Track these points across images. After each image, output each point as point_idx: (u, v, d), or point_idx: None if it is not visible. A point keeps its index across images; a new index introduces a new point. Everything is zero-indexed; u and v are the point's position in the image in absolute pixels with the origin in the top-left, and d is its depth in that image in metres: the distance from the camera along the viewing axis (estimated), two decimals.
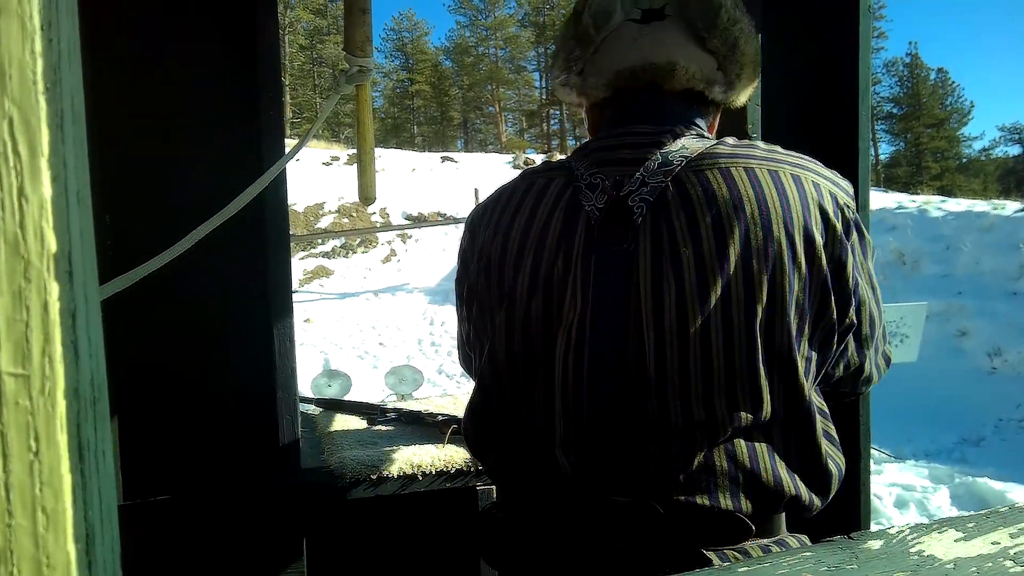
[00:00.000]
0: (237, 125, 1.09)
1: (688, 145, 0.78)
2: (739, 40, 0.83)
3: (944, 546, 0.37)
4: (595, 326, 0.75)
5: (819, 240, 0.73)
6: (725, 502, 0.71)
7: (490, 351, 0.84)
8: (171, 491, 1.08)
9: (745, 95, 0.89)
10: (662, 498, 0.72)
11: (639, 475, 0.73)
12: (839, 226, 0.74)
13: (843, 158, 1.48)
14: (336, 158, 17.39)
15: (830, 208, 0.74)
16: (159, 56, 1.06)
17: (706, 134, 0.85)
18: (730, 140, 0.79)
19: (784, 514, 0.78)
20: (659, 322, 0.72)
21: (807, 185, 0.74)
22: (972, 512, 0.41)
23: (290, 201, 13.12)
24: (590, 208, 0.77)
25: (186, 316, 1.10)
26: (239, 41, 1.08)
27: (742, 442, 0.73)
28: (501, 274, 0.83)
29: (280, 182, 1.11)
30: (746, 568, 0.35)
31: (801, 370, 0.73)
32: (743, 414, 0.72)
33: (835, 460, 0.77)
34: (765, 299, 0.71)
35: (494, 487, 1.25)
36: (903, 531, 0.39)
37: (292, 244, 13.35)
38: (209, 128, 1.08)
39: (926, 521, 0.41)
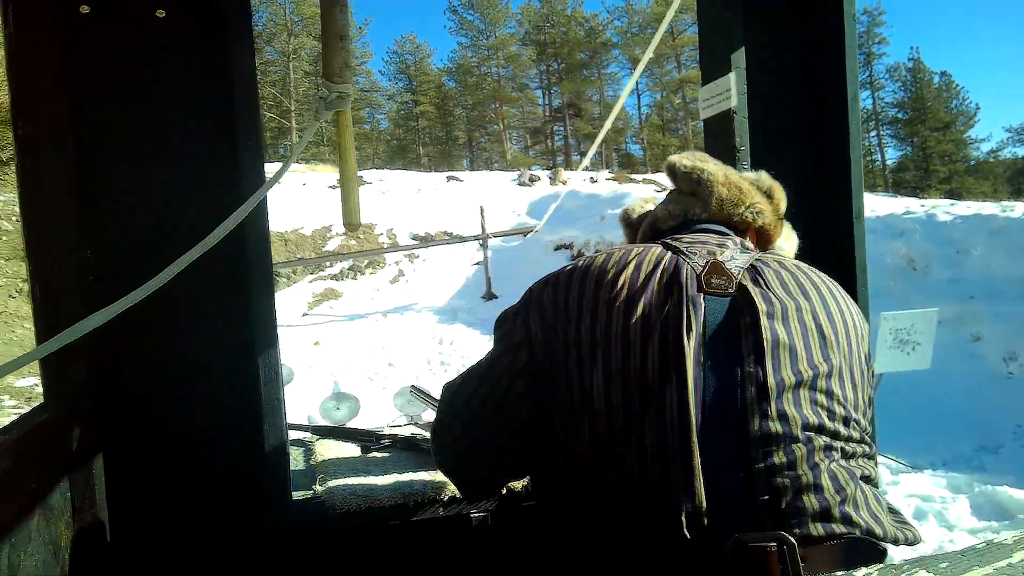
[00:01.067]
0: (215, 156, 1.09)
1: (744, 248, 0.98)
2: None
3: None
4: (710, 366, 0.81)
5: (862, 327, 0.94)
6: (861, 530, 0.75)
7: (588, 414, 0.84)
8: (159, 529, 1.06)
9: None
10: (791, 530, 0.72)
11: (769, 510, 0.74)
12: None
13: (835, 169, 1.46)
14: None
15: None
16: (135, 90, 1.07)
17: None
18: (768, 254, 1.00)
19: None
20: (776, 363, 0.80)
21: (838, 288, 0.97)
22: (948, 551, 0.39)
23: (298, 224, 13.21)
24: (692, 265, 0.90)
25: (169, 350, 1.09)
26: (214, 70, 1.08)
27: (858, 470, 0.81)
28: (609, 343, 0.86)
29: (261, 211, 1.11)
30: None
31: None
32: (858, 446, 0.82)
33: None
34: (859, 359, 0.88)
35: (488, 514, 1.23)
36: (870, 573, 0.37)
37: (300, 267, 13.46)
38: (186, 160, 1.08)
39: (924, 553, 0.39)
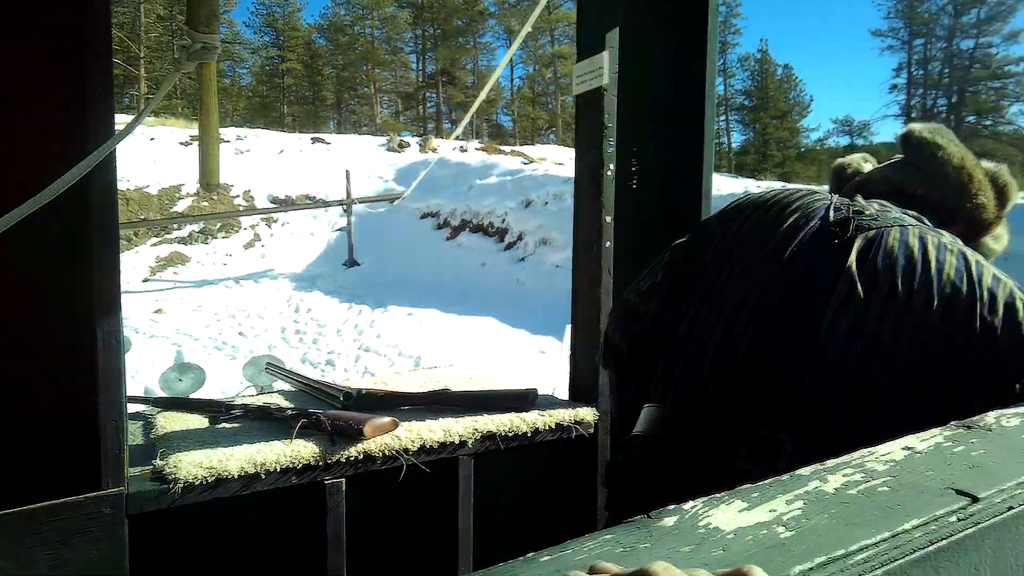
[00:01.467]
0: (59, 100, 0.96)
1: (913, 218, 0.96)
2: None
3: (729, 517, 0.39)
4: (790, 302, 0.90)
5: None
6: None
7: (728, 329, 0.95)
8: None
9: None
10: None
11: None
12: None
13: (691, 149, 1.56)
14: (196, 138, 16.13)
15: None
16: None
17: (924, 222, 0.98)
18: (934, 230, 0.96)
19: None
20: (836, 320, 0.85)
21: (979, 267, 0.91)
22: (760, 483, 0.44)
23: (142, 183, 12.05)
24: (824, 216, 0.95)
25: None
26: (62, 5, 0.95)
27: None
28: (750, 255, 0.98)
29: (108, 165, 1.00)
30: (549, 556, 0.35)
31: None
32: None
33: None
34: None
35: (344, 480, 1.21)
36: (696, 505, 0.40)
37: (144, 230, 12.32)
38: (24, 102, 0.94)
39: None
